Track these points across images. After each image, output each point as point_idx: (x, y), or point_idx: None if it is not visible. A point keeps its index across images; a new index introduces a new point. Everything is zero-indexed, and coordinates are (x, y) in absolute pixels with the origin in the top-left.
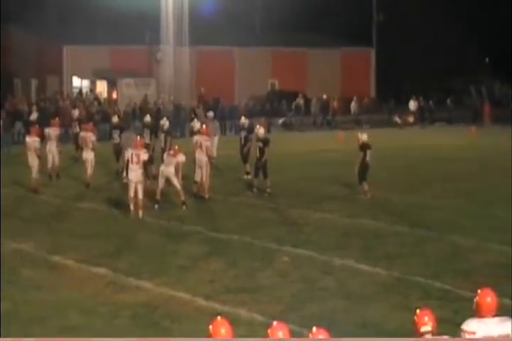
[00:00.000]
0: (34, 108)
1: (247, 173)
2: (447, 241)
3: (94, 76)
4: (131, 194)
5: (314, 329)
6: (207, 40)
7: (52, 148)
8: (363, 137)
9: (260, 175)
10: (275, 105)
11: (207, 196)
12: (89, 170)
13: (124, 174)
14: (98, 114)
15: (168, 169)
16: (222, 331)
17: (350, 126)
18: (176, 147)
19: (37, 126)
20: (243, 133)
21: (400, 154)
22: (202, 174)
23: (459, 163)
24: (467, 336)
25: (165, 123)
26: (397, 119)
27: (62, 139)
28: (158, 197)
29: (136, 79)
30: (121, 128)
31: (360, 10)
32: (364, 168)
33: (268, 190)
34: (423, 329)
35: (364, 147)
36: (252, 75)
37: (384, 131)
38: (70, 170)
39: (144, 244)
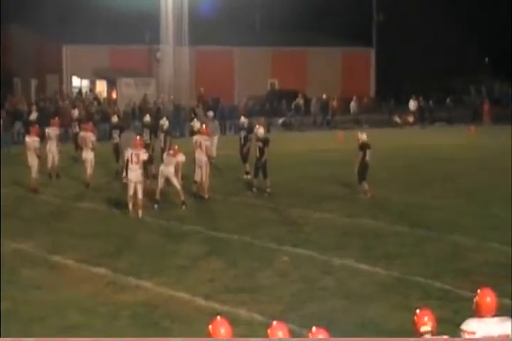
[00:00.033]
0: (34, 108)
1: (247, 173)
2: (447, 241)
3: (94, 76)
4: (131, 194)
5: (314, 329)
6: (206, 39)
7: (52, 148)
8: (363, 137)
9: (260, 174)
10: (275, 105)
11: (206, 196)
12: (89, 170)
13: (124, 174)
14: (98, 113)
15: (167, 169)
16: (222, 331)
17: (349, 126)
18: (176, 147)
19: (36, 125)
20: (243, 133)
21: (399, 154)
22: (202, 174)
23: (459, 162)
24: (467, 336)
25: (165, 123)
26: (396, 119)
27: (61, 139)
28: (157, 196)
29: (136, 78)
30: (121, 128)
31: (361, 10)
32: (364, 167)
33: (268, 189)
34: (423, 329)
35: (364, 147)
36: (252, 75)
37: (384, 130)
38: (69, 170)
39: (143, 243)
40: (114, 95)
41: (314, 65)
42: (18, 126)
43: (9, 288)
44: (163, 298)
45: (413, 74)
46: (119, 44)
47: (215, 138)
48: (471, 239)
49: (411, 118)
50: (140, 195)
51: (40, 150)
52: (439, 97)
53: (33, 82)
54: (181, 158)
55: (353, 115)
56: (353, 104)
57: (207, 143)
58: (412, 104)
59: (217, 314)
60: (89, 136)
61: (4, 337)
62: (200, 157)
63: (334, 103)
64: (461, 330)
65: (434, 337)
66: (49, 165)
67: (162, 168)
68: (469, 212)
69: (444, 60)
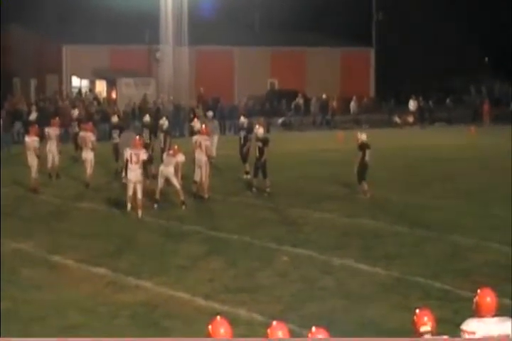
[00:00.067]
0: (33, 108)
1: (247, 173)
2: (447, 241)
3: (94, 76)
4: (130, 194)
5: (314, 329)
6: (206, 39)
7: (52, 148)
8: (362, 137)
9: (260, 174)
10: (274, 105)
11: (206, 196)
12: (89, 170)
13: (124, 174)
14: (97, 113)
15: (167, 169)
16: (222, 331)
17: (349, 126)
18: (176, 147)
19: (36, 125)
20: (242, 133)
21: (399, 154)
22: (201, 174)
23: (459, 163)
24: (467, 336)
25: (164, 122)
26: (396, 119)
27: (61, 139)
28: (157, 196)
29: (136, 78)
30: (121, 128)
31: (360, 10)
32: (363, 167)
33: (267, 189)
34: (422, 329)
35: (363, 147)
36: (252, 75)
37: (383, 130)
38: (69, 170)
39: (143, 243)
40: (113, 95)
41: (314, 65)
42: (18, 126)
43: (9, 288)
44: (163, 298)
45: (413, 74)
46: (118, 44)
47: (215, 138)
48: (471, 239)
49: (411, 119)
50: (140, 195)
51: (40, 150)
52: (439, 97)
53: (33, 82)
54: (181, 158)
55: (352, 115)
56: (352, 104)
57: (207, 143)
58: (412, 104)
59: (217, 314)
60: (89, 136)
61: (4, 337)
62: (200, 157)
63: (334, 103)
64: (461, 330)
65: (434, 337)
66: (49, 165)
67: (162, 168)
68: (469, 212)
69: (444, 60)
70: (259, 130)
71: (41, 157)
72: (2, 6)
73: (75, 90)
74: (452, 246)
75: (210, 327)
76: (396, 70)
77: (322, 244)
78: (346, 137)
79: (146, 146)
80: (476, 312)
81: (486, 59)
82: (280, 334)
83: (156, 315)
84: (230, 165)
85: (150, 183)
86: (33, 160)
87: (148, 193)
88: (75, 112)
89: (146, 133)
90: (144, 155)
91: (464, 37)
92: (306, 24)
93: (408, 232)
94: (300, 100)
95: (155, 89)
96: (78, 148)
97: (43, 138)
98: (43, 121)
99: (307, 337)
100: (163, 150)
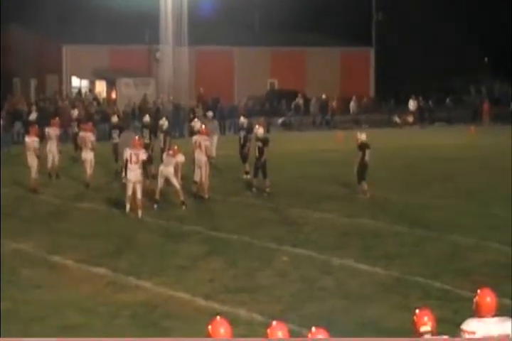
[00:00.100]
0: (33, 108)
1: (247, 173)
2: (447, 241)
3: (94, 76)
4: (129, 194)
5: (313, 329)
6: (206, 39)
7: (52, 148)
8: (362, 137)
9: (259, 174)
10: (274, 105)
11: (206, 196)
12: (89, 170)
13: (123, 174)
14: (97, 113)
15: (167, 169)
16: (222, 331)
17: (349, 126)
18: (176, 147)
19: (36, 126)
20: (242, 133)
21: (399, 154)
22: (201, 174)
23: (459, 162)
24: (467, 336)
25: (164, 123)
26: (396, 119)
27: (61, 139)
28: (157, 197)
29: (136, 78)
30: (121, 128)
31: (360, 10)
32: (363, 167)
33: (267, 189)
34: (422, 329)
35: (363, 147)
36: (252, 75)
37: (383, 130)
38: (69, 170)
39: (143, 243)
40: (113, 95)
41: (313, 65)
42: (18, 126)
43: (9, 288)
44: (163, 298)
45: (413, 74)
46: (118, 44)
47: (215, 138)
48: (471, 239)
49: (411, 118)
50: (139, 195)
51: (40, 150)
52: (439, 97)
53: (33, 82)
54: (181, 158)
55: (352, 115)
56: (352, 104)
57: (206, 143)
58: (412, 104)
59: (217, 314)
60: (88, 136)
61: (4, 337)
62: (200, 157)
63: (334, 103)
64: (461, 330)
65: (434, 337)
66: (49, 165)
67: (162, 168)
68: (469, 212)
69: (444, 60)
70: (259, 130)
71: (41, 157)
72: (2, 6)
73: (75, 90)
74: (452, 246)
75: (210, 327)
76: (396, 70)
77: (322, 244)
78: (346, 137)
79: (145, 146)
80: (476, 312)
81: (486, 59)
82: (280, 334)
83: (156, 315)
84: (230, 165)
85: (150, 183)
86: (32, 161)
87: (148, 193)
88: (75, 112)
89: (145, 133)
90: (143, 155)
91: (464, 37)
92: (305, 24)
93: (408, 232)
94: (300, 100)
95: (155, 89)
96: (78, 148)
97: (42, 138)
98: (43, 121)
99: (307, 337)
100: (163, 151)
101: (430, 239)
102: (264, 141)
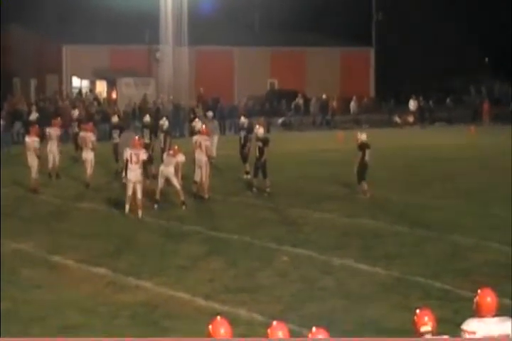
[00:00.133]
0: (33, 108)
1: (247, 173)
2: (447, 241)
3: (94, 76)
4: (129, 194)
5: (314, 329)
6: (206, 39)
7: (53, 148)
8: (362, 137)
9: (260, 174)
10: (274, 105)
11: (206, 196)
12: (89, 170)
13: (124, 174)
14: (98, 113)
15: (167, 169)
16: (222, 331)
17: (349, 126)
18: (176, 147)
19: (36, 126)
20: (243, 133)
21: (399, 154)
22: (201, 174)
23: (459, 162)
24: (467, 336)
25: (164, 123)
26: (396, 119)
27: (62, 139)
28: (157, 197)
29: (136, 78)
30: (121, 128)
31: (360, 10)
32: (363, 167)
33: (267, 189)
34: (423, 329)
35: (363, 147)
36: (252, 75)
37: (383, 130)
38: (69, 170)
39: (143, 243)
40: (114, 95)
41: (313, 65)
42: (18, 126)
43: (9, 288)
44: (163, 298)
45: (413, 74)
46: (119, 44)
47: (215, 138)
48: (471, 239)
49: (411, 118)
50: (139, 195)
51: (40, 150)
52: (439, 97)
53: (33, 82)
54: (181, 158)
55: (352, 115)
56: (352, 104)
57: (207, 143)
58: (412, 104)
59: (217, 314)
60: (89, 136)
61: (4, 336)
62: (200, 157)
63: (334, 103)
64: (461, 330)
65: (434, 337)
66: (50, 165)
67: (162, 168)
68: (469, 212)
69: (444, 60)
70: (259, 130)
71: (41, 157)
72: (2, 6)
73: (75, 90)
74: (452, 246)
75: (210, 327)
76: (396, 70)
77: (322, 244)
78: (346, 137)
79: (146, 146)
80: (477, 312)
81: (486, 59)
82: (280, 334)
83: (156, 315)
84: (230, 165)
85: (150, 183)
86: (33, 161)
87: (148, 193)
88: (75, 112)
89: (146, 133)
90: (143, 155)
91: (464, 37)
92: (305, 24)
93: (408, 232)
94: (300, 100)
95: (155, 89)
96: (78, 148)
97: (43, 138)
98: (43, 121)
99: (307, 337)
100: (163, 151)
101: (430, 239)
102: (265, 141)
